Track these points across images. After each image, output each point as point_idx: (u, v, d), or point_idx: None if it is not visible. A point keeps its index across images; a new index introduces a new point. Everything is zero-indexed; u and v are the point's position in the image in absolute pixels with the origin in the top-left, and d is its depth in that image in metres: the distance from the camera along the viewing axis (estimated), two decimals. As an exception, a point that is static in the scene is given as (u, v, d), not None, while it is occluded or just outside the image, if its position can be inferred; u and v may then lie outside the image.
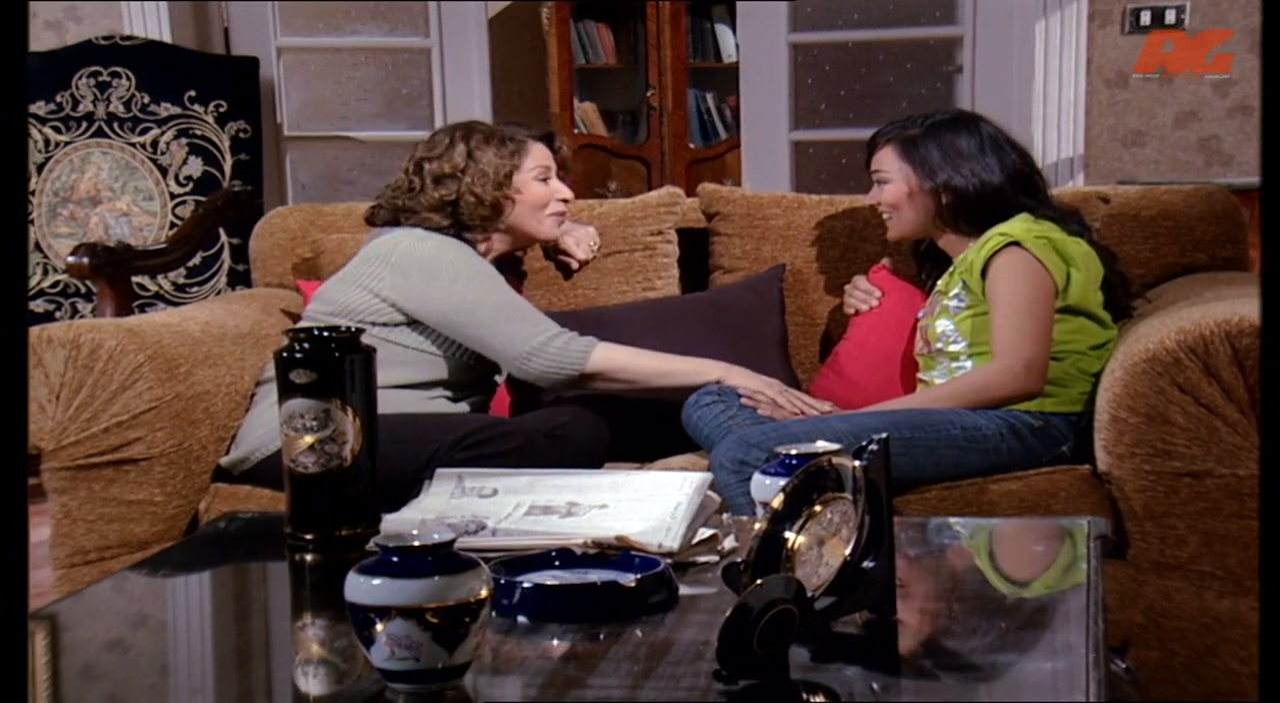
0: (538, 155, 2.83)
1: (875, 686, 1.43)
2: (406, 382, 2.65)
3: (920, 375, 2.76)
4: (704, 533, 1.84)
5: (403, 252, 2.70)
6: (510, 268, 2.96)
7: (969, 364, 2.65)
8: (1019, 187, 2.72)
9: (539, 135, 2.88)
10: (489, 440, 2.41)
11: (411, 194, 2.78)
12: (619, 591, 1.61)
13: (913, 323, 2.83)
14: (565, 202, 2.88)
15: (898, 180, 2.76)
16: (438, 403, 2.71)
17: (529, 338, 2.64)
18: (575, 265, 3.10)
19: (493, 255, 2.85)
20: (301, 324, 2.74)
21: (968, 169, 2.71)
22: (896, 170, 2.77)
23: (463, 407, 2.75)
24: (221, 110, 4.40)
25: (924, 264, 2.90)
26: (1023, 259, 2.60)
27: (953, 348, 2.67)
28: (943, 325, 2.69)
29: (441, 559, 1.38)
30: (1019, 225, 2.65)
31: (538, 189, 2.82)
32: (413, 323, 2.69)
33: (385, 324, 2.67)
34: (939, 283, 2.76)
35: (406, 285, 2.67)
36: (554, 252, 3.10)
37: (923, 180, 2.74)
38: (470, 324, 2.66)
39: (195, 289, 4.33)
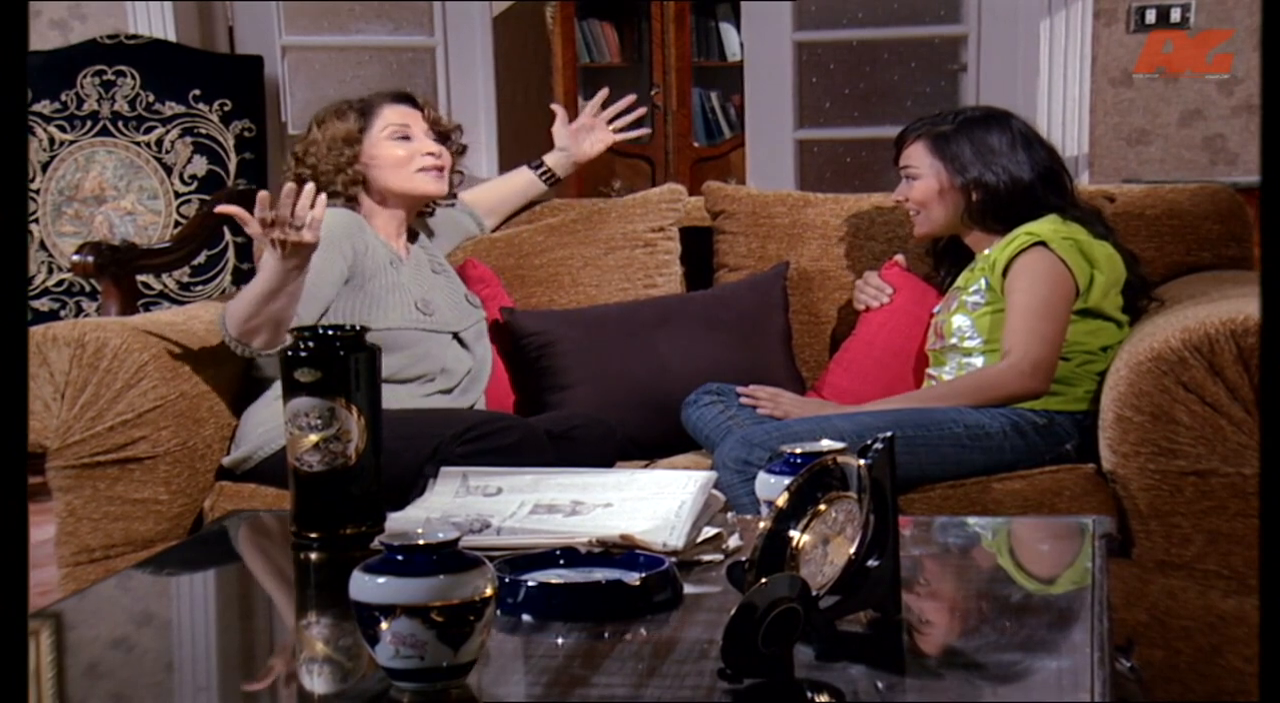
0: (389, 115, 2.83)
1: (880, 684, 1.43)
2: None
3: (929, 371, 2.76)
4: (708, 532, 1.84)
5: None
6: (412, 236, 2.92)
7: (979, 361, 2.65)
8: (1048, 185, 2.72)
9: (392, 96, 2.88)
10: (490, 434, 2.41)
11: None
12: (623, 589, 1.61)
13: (924, 320, 2.83)
14: (432, 155, 2.83)
15: (928, 176, 2.76)
16: (434, 400, 2.71)
17: None
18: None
19: (393, 225, 2.82)
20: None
21: (999, 166, 2.71)
22: (927, 166, 2.76)
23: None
24: (226, 109, 4.40)
25: (943, 261, 2.90)
26: (1046, 259, 2.60)
27: (967, 344, 2.67)
28: (959, 321, 2.69)
29: (446, 558, 1.38)
30: (1047, 226, 2.65)
31: (393, 147, 2.81)
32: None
33: None
34: (959, 279, 2.76)
35: None
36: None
37: (953, 176, 2.73)
38: None
39: (200, 288, 4.33)
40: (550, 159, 3.21)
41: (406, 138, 2.82)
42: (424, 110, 2.88)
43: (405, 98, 2.88)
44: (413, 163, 2.82)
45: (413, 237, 2.89)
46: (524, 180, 3.21)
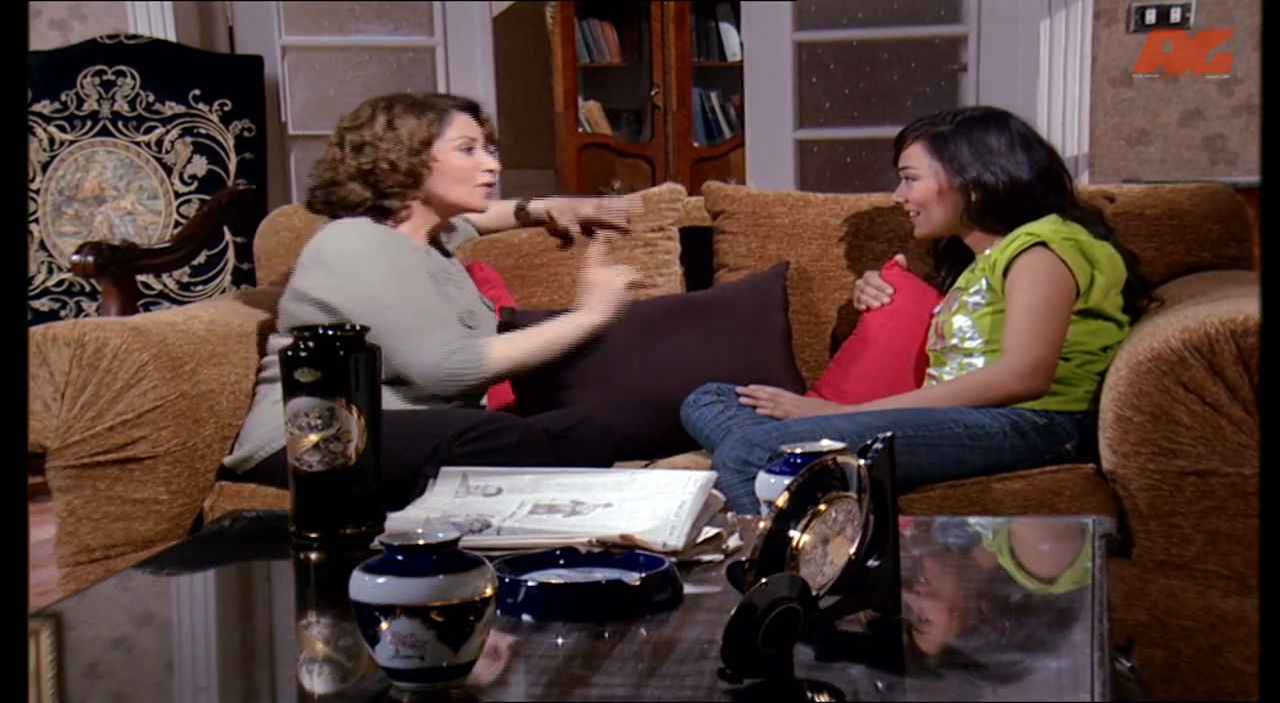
0: (461, 125, 2.80)
1: (880, 684, 1.43)
2: None
3: (930, 371, 2.76)
4: (708, 532, 1.84)
5: (332, 250, 2.69)
6: (439, 248, 2.93)
7: (980, 361, 2.65)
8: (1048, 185, 2.72)
9: (463, 105, 2.85)
10: (489, 435, 2.41)
11: (333, 166, 2.77)
12: (623, 589, 1.61)
13: (924, 320, 2.83)
14: (491, 172, 2.84)
15: (927, 177, 2.76)
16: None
17: (432, 351, 2.61)
18: (622, 223, 3.09)
19: (424, 229, 2.82)
20: (275, 342, 2.72)
21: (998, 166, 2.71)
22: (926, 167, 2.76)
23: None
24: (226, 109, 4.40)
25: (943, 261, 2.90)
26: (1047, 260, 2.60)
27: (968, 344, 2.67)
28: (960, 321, 2.69)
29: (446, 558, 1.38)
30: (1047, 226, 2.65)
31: (459, 159, 2.78)
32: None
33: None
34: (960, 279, 2.76)
35: (334, 284, 2.65)
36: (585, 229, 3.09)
37: (952, 177, 2.73)
38: (384, 330, 2.54)
39: (200, 288, 4.33)
40: (538, 204, 3.16)
41: (469, 151, 2.81)
42: (484, 125, 2.86)
43: (474, 108, 2.86)
44: (475, 177, 2.81)
45: (430, 238, 2.89)
46: (505, 212, 3.19)
